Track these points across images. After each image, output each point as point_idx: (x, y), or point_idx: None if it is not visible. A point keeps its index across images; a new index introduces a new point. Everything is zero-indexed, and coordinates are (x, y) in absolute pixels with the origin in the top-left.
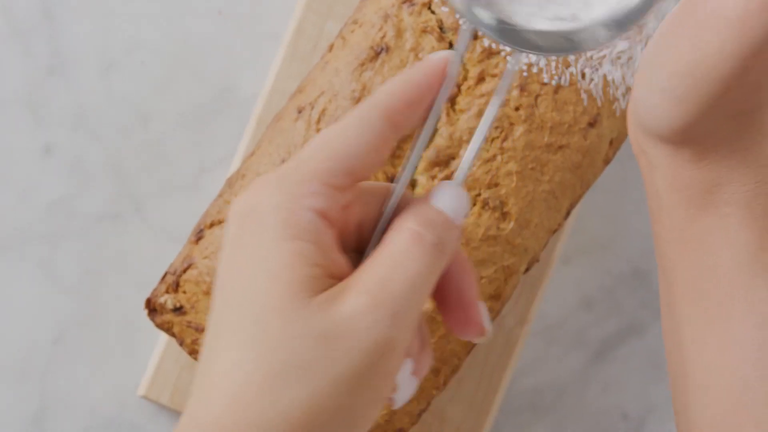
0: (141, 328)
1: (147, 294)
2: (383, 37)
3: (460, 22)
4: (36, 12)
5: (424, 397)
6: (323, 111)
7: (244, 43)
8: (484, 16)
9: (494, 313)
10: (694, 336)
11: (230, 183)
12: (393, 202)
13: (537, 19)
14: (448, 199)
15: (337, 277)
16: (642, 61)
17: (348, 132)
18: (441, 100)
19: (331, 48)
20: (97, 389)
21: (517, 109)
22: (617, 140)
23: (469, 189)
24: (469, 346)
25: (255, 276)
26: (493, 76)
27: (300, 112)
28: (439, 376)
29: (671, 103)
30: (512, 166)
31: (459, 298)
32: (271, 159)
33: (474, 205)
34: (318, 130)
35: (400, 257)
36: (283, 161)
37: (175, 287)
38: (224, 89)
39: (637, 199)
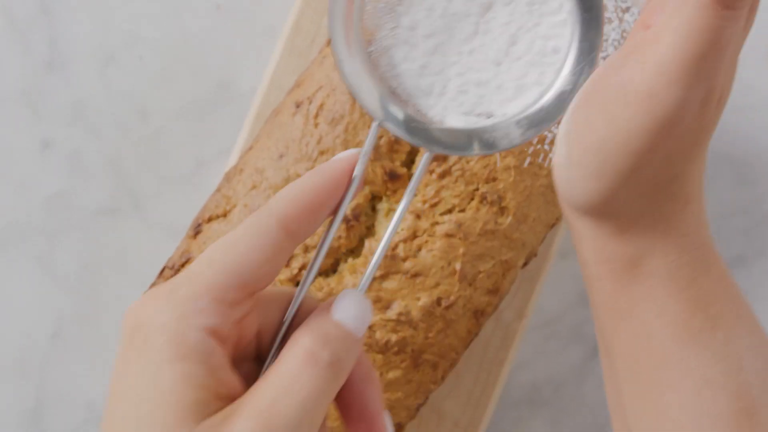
0: None
1: (144, 288)
2: None
3: (373, 121)
4: (34, 8)
5: (422, 391)
6: (321, 105)
7: (242, 39)
8: (397, 112)
9: (492, 308)
10: (632, 404)
11: (228, 177)
12: (291, 311)
13: (452, 115)
14: (350, 309)
15: (228, 398)
16: (558, 134)
17: (241, 243)
18: (346, 202)
19: (329, 43)
20: (94, 384)
21: None
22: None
23: (468, 184)
24: (467, 340)
25: (140, 401)
26: None
27: (298, 106)
28: (437, 371)
29: (587, 179)
30: (510, 160)
31: (362, 409)
32: (269, 153)
33: (472, 199)
34: (316, 125)
35: (291, 379)
36: (281, 156)
37: None
38: (222, 84)
39: None
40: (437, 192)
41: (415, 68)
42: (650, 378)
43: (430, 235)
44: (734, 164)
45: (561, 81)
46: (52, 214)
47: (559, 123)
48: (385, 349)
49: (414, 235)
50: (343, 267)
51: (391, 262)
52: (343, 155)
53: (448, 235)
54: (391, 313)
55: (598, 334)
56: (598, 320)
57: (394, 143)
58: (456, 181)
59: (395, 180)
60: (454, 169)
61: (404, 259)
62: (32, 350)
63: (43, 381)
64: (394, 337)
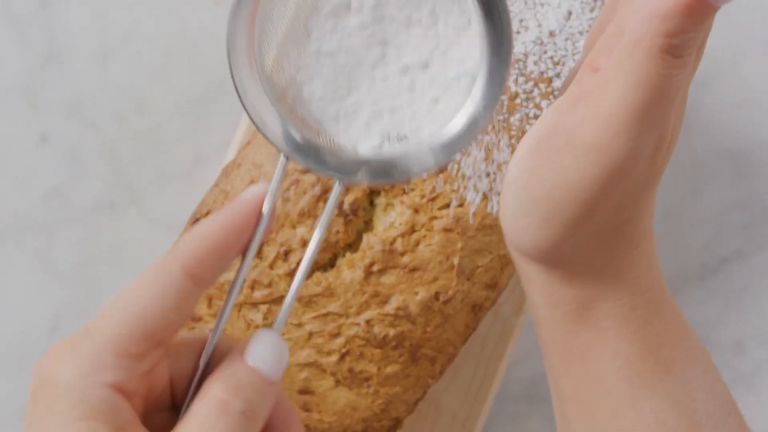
0: None
1: None
2: None
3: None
4: (33, 2)
5: (420, 385)
6: None
7: None
8: (306, 143)
9: (490, 302)
10: None
11: (226, 172)
12: (205, 357)
13: (364, 142)
14: (265, 352)
15: None
16: (505, 181)
17: (144, 293)
18: (257, 241)
19: None
20: None
21: (514, 98)
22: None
23: (467, 178)
24: (466, 335)
25: None
26: None
27: None
28: (435, 365)
29: (536, 227)
30: (508, 154)
31: None
32: (267, 148)
33: (469, 194)
34: None
35: (202, 431)
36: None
37: None
38: (220, 78)
39: None
40: (437, 186)
41: (325, 96)
42: (603, 422)
43: (428, 230)
44: (733, 160)
45: (472, 103)
46: (50, 208)
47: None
48: (383, 343)
49: (412, 230)
50: (341, 262)
51: (389, 257)
52: (250, 193)
53: (446, 230)
54: (389, 308)
55: (549, 377)
56: (548, 362)
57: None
58: (454, 175)
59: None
60: (452, 164)
61: (402, 254)
62: (30, 345)
63: None
64: (392, 332)
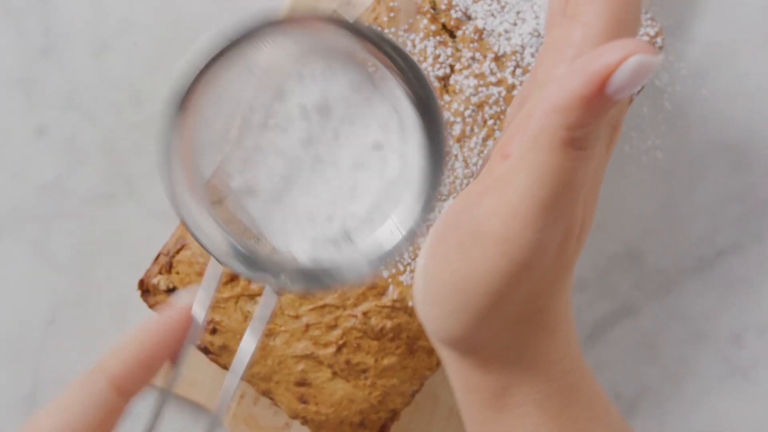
0: (134, 309)
1: (140, 274)
2: (376, 18)
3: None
4: None
5: (417, 377)
6: None
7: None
8: (242, 249)
9: None
10: None
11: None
12: None
13: (300, 249)
14: None
15: None
16: (417, 268)
17: (70, 407)
18: (187, 349)
19: None
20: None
21: (511, 89)
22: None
23: (464, 174)
24: None
25: None
26: (485, 56)
27: None
28: (432, 357)
29: (446, 316)
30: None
31: None
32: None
33: (467, 186)
34: None
35: None
36: None
37: (168, 268)
38: None
39: (631, 180)
40: None
41: (263, 200)
42: None
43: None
44: (729, 151)
45: (408, 209)
46: (47, 200)
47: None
48: (380, 335)
49: None
50: None
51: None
52: (179, 300)
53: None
54: (386, 300)
55: None
56: None
57: None
58: (452, 167)
59: None
60: (449, 156)
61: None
62: (28, 336)
63: (39, 367)
64: (389, 323)
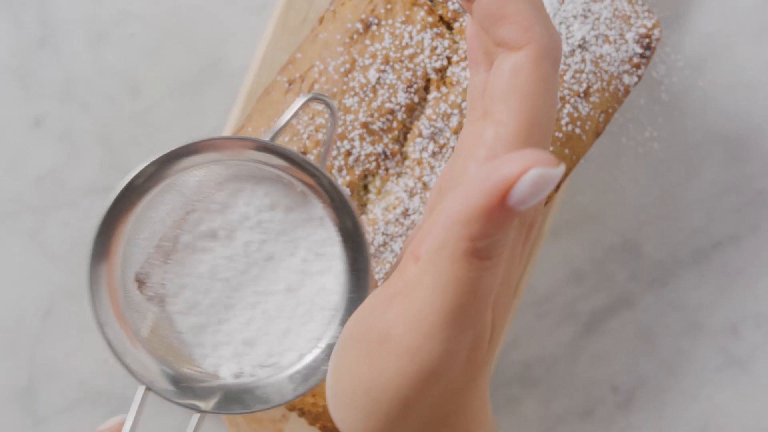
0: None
1: (137, 266)
2: (373, 10)
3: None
4: None
5: None
6: (313, 84)
7: (234, 15)
8: (169, 373)
9: None
10: None
11: None
12: None
13: (228, 371)
14: None
15: None
16: (329, 368)
17: None
18: None
19: (321, 20)
20: (87, 362)
21: None
22: (609, 112)
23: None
24: None
25: None
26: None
27: (290, 84)
28: None
29: (356, 419)
30: None
31: None
32: (261, 131)
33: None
34: (308, 104)
35: None
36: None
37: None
38: (214, 61)
39: (628, 171)
40: (431, 170)
41: (191, 324)
42: None
43: (422, 214)
44: (726, 143)
45: (331, 333)
46: (43, 191)
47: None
48: None
49: (406, 213)
50: None
51: (384, 240)
52: (107, 426)
53: None
54: None
55: None
56: None
57: (387, 121)
58: (449, 159)
59: (387, 158)
60: (446, 148)
61: (396, 237)
62: (25, 328)
63: (36, 359)
64: None
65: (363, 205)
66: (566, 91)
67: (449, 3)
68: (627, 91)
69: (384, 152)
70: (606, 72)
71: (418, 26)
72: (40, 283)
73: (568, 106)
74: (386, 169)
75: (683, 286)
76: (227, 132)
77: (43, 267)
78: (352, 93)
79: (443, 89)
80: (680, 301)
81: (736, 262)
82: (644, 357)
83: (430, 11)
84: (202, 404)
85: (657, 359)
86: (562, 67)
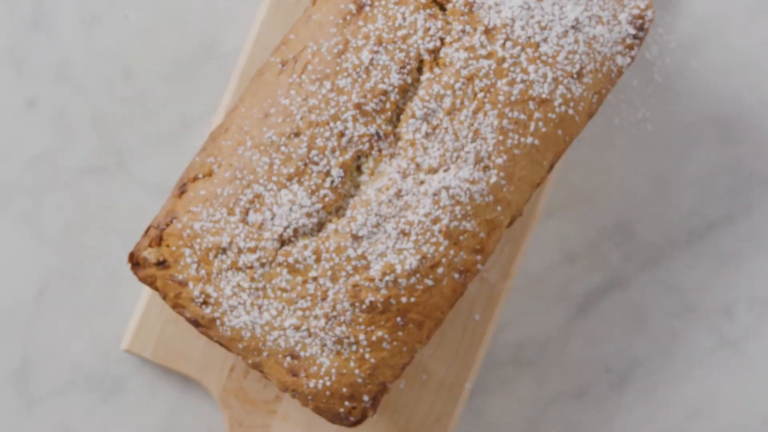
0: (124, 282)
1: (130, 247)
2: None
3: None
4: None
5: (407, 351)
6: (306, 65)
7: None
8: None
9: (477, 267)
10: None
11: (213, 137)
12: None
13: None
14: None
15: None
16: None
17: None
18: None
19: (314, 2)
20: (80, 343)
21: (501, 62)
22: (602, 93)
23: (454, 142)
24: (453, 300)
25: None
26: (475, 28)
27: (284, 65)
28: (422, 330)
29: None
30: (495, 119)
31: None
32: (254, 112)
33: (457, 159)
34: (301, 84)
35: None
36: (266, 115)
37: (158, 241)
38: (207, 43)
39: (621, 152)
40: (424, 151)
41: None
42: None
43: (414, 195)
44: (719, 124)
45: None
46: (37, 172)
47: None
48: (370, 308)
49: (399, 194)
50: (329, 227)
51: (376, 222)
52: None
53: (434, 194)
54: (376, 273)
55: None
56: None
57: (381, 102)
58: (442, 140)
59: (380, 139)
60: (439, 128)
61: (389, 218)
62: (18, 309)
63: (29, 341)
64: (379, 297)
65: (356, 186)
66: (559, 72)
67: None
68: (620, 72)
69: (377, 133)
70: (599, 53)
71: (411, 7)
72: (33, 264)
73: (561, 87)
74: (379, 150)
75: (676, 268)
76: (220, 115)
77: (37, 248)
78: (345, 74)
79: (436, 70)
80: (673, 282)
81: (729, 243)
82: (637, 338)
83: None
84: None
85: (650, 340)
86: (555, 48)
